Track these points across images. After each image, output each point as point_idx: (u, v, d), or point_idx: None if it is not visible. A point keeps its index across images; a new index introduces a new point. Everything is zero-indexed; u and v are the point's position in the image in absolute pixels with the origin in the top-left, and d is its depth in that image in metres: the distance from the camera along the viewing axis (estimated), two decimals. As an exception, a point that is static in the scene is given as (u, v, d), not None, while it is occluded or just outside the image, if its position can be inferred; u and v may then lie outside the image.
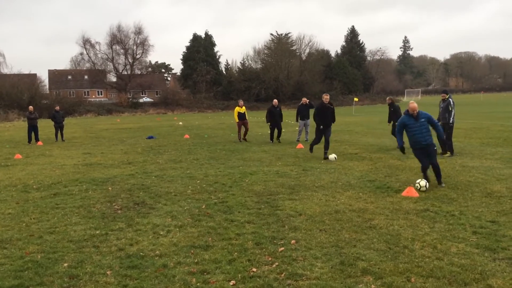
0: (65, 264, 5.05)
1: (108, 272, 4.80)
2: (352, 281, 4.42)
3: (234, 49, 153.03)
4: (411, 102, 8.86)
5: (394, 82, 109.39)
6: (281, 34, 76.07)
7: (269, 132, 17.94)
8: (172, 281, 4.54)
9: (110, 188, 9.35)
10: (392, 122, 15.16)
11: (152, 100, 72.27)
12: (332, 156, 12.43)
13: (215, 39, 75.29)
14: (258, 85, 68.14)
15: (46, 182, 10.34)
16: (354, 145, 15.82)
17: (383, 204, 7.37)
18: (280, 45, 74.35)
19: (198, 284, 4.44)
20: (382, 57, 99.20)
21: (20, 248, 5.67)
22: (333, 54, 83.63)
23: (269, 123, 17.66)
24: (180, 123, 35.35)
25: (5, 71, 71.46)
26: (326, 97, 12.91)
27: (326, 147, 12.86)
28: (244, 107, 18.69)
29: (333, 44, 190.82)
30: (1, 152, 17.26)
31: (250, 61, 76.08)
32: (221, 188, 9.03)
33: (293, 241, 5.62)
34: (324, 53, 79.54)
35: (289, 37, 76.55)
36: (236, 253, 5.25)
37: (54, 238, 6.06)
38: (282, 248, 5.37)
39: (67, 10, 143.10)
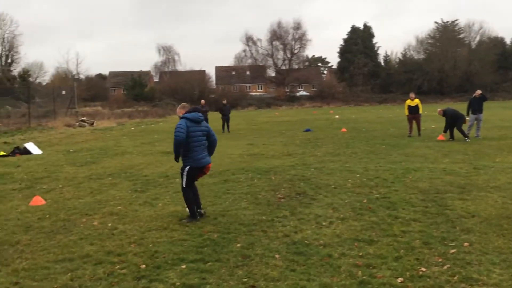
0: (238, 245, 5.50)
1: (277, 256, 5.08)
2: (540, 294, 3.94)
3: (395, 40, 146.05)
4: None
5: None
6: (447, 22, 70.50)
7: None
8: (338, 271, 4.61)
9: (273, 178, 9.83)
10: None
11: (308, 93, 73.56)
12: None
13: (374, 30, 73.32)
14: (420, 77, 64.48)
15: (217, 169, 11.28)
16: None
17: None
18: (446, 34, 69.02)
19: (364, 277, 4.43)
20: None
21: (199, 227, 6.34)
22: (508, 41, 74.43)
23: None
24: (336, 116, 35.30)
25: (180, 68, 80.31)
26: None
27: None
28: (416, 100, 17.50)
29: (509, 30, 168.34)
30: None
31: (411, 52, 72.36)
32: (383, 183, 8.80)
33: (466, 244, 5.22)
34: (498, 41, 71.17)
35: (456, 24, 70.61)
36: (402, 251, 5.09)
37: (227, 220, 6.63)
38: (454, 250, 5.03)
39: (236, 11, 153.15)
